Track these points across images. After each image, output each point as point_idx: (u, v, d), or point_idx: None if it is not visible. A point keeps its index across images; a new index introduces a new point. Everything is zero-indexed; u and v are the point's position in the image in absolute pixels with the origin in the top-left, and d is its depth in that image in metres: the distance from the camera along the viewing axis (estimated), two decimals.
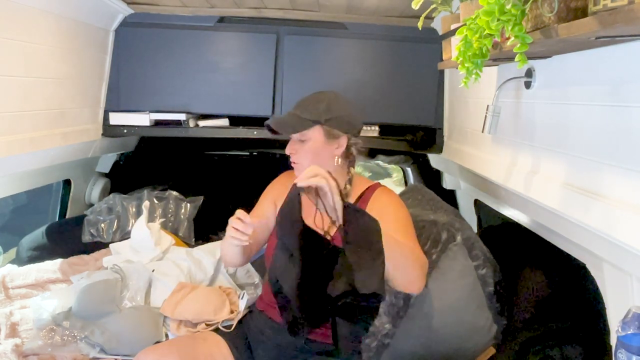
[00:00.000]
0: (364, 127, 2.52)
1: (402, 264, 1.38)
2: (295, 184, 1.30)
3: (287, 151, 1.64)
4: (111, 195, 2.64)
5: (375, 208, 1.58)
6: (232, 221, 1.42)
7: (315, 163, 1.52)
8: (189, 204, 2.62)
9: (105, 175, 2.94)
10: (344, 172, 1.66)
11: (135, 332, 1.78)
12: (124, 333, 1.77)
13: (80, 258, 2.27)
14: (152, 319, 1.83)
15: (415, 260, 1.42)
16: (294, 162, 1.63)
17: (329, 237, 1.45)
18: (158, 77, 2.50)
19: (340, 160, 1.62)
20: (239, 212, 1.43)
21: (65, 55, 2.04)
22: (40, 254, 2.29)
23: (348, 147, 1.63)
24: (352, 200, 1.64)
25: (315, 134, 1.59)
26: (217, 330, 1.72)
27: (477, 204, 2.47)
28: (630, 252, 1.04)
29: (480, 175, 1.89)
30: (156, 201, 2.58)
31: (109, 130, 2.49)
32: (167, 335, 1.83)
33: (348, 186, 1.64)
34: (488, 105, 1.63)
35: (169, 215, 2.52)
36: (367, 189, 1.66)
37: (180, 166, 3.36)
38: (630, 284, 1.16)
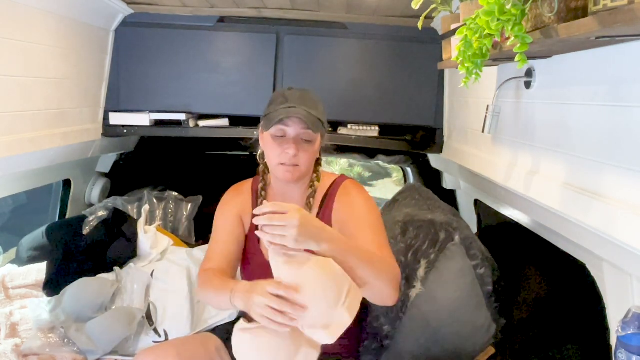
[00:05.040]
0: (365, 127, 2.55)
1: (371, 282, 1.31)
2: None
3: (293, 152, 1.45)
4: (112, 198, 2.64)
5: (342, 210, 1.52)
6: (272, 301, 1.18)
7: (310, 165, 1.52)
8: (188, 204, 2.61)
9: (105, 175, 2.94)
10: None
11: (106, 332, 1.78)
12: (96, 333, 1.77)
13: None
14: (126, 318, 1.83)
15: (382, 275, 1.33)
16: (296, 165, 1.48)
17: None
18: (158, 77, 2.50)
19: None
20: (278, 289, 1.20)
21: (65, 55, 2.04)
22: (40, 254, 2.28)
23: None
24: (318, 199, 1.57)
25: (319, 136, 1.52)
26: (214, 331, 1.72)
27: (477, 204, 2.47)
28: (630, 252, 1.04)
29: (480, 175, 1.88)
30: (156, 201, 2.57)
31: (109, 130, 2.49)
32: (167, 336, 1.83)
33: (316, 183, 1.58)
34: (488, 105, 1.63)
35: (169, 216, 2.52)
36: (332, 184, 1.59)
37: (180, 166, 3.36)
38: (630, 284, 1.16)
